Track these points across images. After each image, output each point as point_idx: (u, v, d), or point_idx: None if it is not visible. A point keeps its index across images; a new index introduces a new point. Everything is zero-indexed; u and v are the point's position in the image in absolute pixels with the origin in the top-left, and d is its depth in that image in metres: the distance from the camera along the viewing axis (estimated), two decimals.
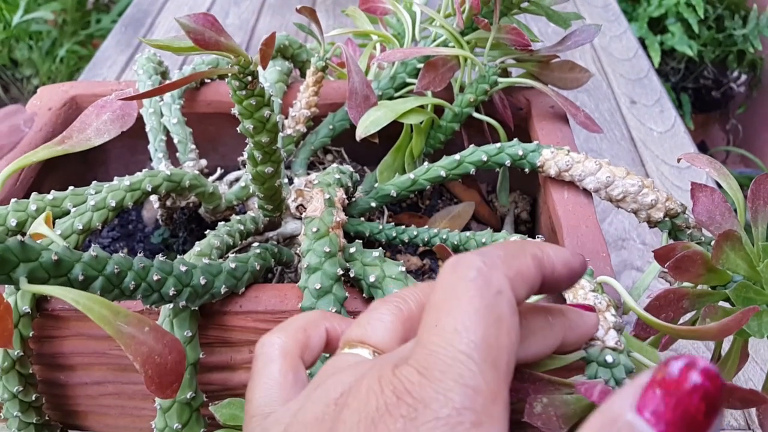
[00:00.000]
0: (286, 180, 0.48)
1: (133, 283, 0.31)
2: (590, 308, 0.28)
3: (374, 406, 0.18)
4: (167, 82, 0.54)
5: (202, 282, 0.33)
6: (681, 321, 0.41)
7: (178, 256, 0.34)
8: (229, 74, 0.32)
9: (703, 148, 1.91)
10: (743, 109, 1.79)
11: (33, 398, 0.38)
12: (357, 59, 0.59)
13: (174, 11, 1.22)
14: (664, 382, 0.16)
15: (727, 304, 0.38)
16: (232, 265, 0.36)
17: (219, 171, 0.51)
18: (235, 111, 0.34)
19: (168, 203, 0.48)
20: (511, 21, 0.53)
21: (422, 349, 0.19)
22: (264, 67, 0.31)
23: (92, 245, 0.30)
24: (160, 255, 0.32)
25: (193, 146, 0.50)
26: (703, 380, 0.16)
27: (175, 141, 0.50)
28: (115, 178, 0.42)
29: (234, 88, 0.33)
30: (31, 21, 1.94)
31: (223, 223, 0.42)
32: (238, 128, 0.35)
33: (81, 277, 0.29)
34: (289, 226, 0.46)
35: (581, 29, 0.50)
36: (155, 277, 0.31)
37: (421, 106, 0.50)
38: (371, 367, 0.20)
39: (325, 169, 0.54)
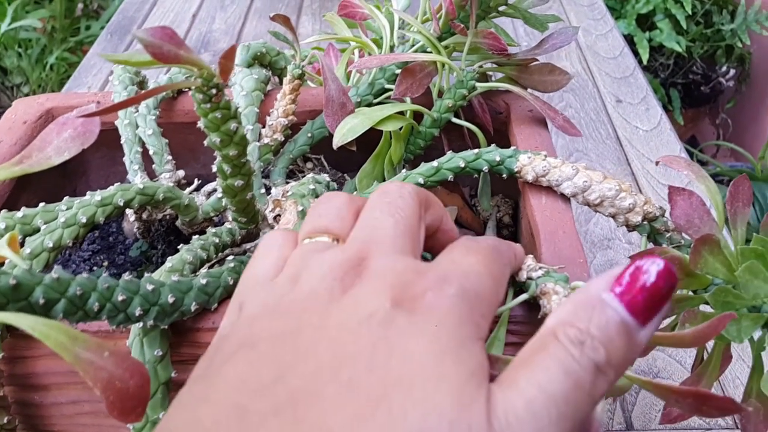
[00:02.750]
0: (263, 190, 0.48)
1: (97, 304, 0.30)
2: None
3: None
4: (139, 93, 0.54)
5: (171, 300, 0.32)
6: (661, 325, 0.41)
7: (146, 274, 0.33)
8: (193, 87, 0.32)
9: (693, 142, 1.91)
10: (732, 104, 1.79)
11: (5, 421, 0.37)
12: (336, 65, 0.59)
13: (160, 18, 1.22)
14: (633, 272, 0.20)
15: (709, 308, 0.38)
16: (203, 281, 0.35)
17: (196, 182, 0.51)
18: (201, 124, 0.34)
19: (144, 216, 0.47)
20: (489, 25, 0.52)
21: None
22: (225, 81, 0.30)
23: (54, 266, 0.30)
24: (126, 274, 0.32)
25: (170, 157, 0.50)
26: (662, 272, 0.20)
27: (151, 152, 0.49)
28: (88, 192, 0.42)
29: (198, 101, 0.32)
30: (20, 29, 1.93)
31: (197, 236, 0.41)
32: (204, 142, 0.35)
33: (42, 301, 0.28)
34: None
35: (559, 32, 0.50)
36: (120, 298, 0.31)
37: (400, 113, 0.50)
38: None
39: (305, 177, 0.54)
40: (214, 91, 0.32)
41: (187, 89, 0.56)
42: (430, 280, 0.21)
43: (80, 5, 2.06)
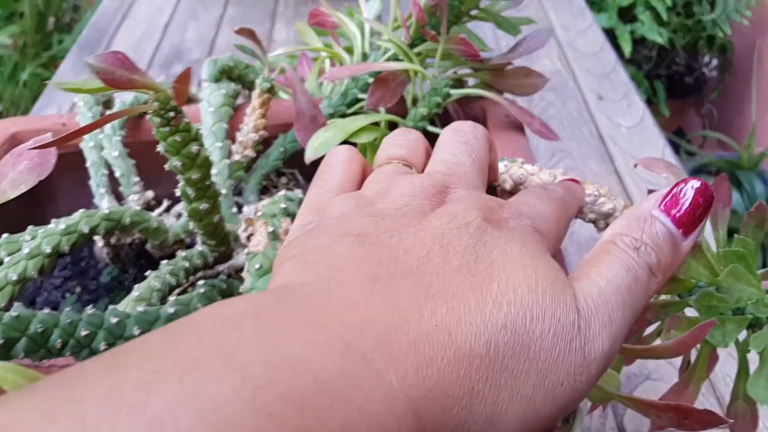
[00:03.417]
0: (235, 209, 0.46)
1: (60, 340, 0.29)
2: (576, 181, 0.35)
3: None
4: (105, 115, 0.52)
5: (137, 333, 0.31)
6: (646, 333, 0.40)
7: (110, 307, 0.32)
8: (150, 111, 0.31)
9: (680, 133, 1.91)
10: (717, 94, 1.80)
11: None
12: (307, 76, 0.58)
13: (131, 30, 1.20)
14: (676, 191, 0.25)
15: (695, 312, 0.37)
16: (171, 310, 0.34)
17: (165, 203, 0.49)
18: (160, 148, 0.33)
19: (112, 241, 0.46)
20: (462, 30, 0.51)
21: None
22: (180, 105, 0.29)
23: (14, 304, 0.29)
24: (89, 307, 0.30)
25: (137, 179, 0.48)
26: (700, 190, 0.25)
27: (117, 174, 0.48)
28: (52, 220, 0.40)
29: (156, 125, 0.31)
30: None
31: (166, 261, 0.40)
32: (165, 166, 0.34)
33: (1, 341, 0.27)
34: (241, 258, 0.44)
35: (533, 34, 0.49)
36: (84, 333, 0.29)
37: (375, 123, 0.49)
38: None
39: (276, 195, 0.52)
40: (172, 114, 0.31)
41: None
42: (509, 211, 0.24)
43: (52, 19, 2.04)
